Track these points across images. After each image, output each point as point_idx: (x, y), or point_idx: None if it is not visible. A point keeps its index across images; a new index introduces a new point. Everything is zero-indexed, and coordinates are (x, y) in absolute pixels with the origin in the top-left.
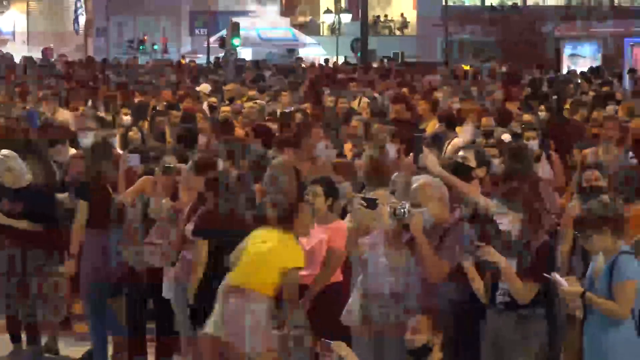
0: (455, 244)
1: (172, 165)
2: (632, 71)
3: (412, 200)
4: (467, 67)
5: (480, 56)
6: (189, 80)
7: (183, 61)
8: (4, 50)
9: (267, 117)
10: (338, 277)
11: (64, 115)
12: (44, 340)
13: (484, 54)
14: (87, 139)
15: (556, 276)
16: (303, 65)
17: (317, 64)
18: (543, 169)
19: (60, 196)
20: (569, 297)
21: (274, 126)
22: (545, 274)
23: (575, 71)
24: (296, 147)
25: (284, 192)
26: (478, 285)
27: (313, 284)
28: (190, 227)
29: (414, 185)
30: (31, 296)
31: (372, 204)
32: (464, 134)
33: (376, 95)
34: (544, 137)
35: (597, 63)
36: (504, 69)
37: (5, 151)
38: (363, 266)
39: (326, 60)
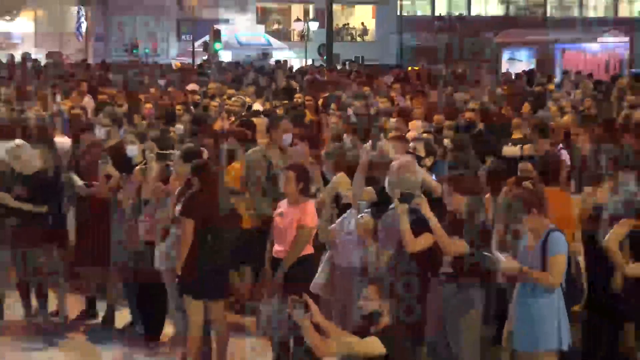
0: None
1: (165, 152)
2: (565, 72)
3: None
4: (417, 68)
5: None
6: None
7: (179, 64)
8: (15, 53)
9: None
10: (309, 250)
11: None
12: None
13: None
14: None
15: (496, 254)
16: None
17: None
18: None
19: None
20: (508, 271)
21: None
22: (486, 253)
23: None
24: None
25: None
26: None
27: (286, 257)
28: (178, 207)
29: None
30: (39, 267)
31: None
32: (416, 127)
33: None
34: None
35: (532, 66)
36: (460, 70)
37: (17, 140)
38: (332, 241)
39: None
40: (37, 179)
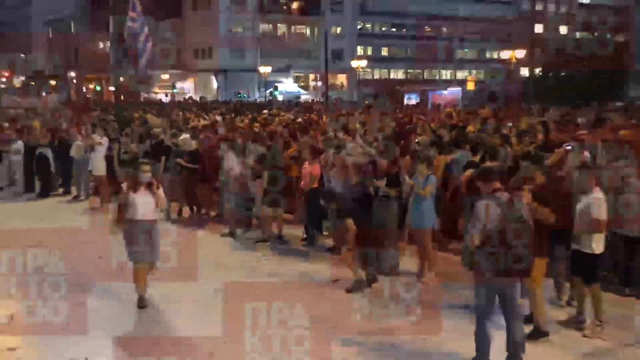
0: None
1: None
2: (432, 105)
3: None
4: (370, 103)
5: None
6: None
7: (259, 101)
8: (185, 96)
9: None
10: (317, 184)
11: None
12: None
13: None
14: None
15: (406, 178)
16: (302, 102)
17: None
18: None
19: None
20: (409, 188)
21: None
22: (400, 180)
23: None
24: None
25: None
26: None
27: (304, 188)
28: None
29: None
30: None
31: None
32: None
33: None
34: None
35: (417, 101)
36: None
37: (183, 135)
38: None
39: (312, 100)
40: (193, 153)
